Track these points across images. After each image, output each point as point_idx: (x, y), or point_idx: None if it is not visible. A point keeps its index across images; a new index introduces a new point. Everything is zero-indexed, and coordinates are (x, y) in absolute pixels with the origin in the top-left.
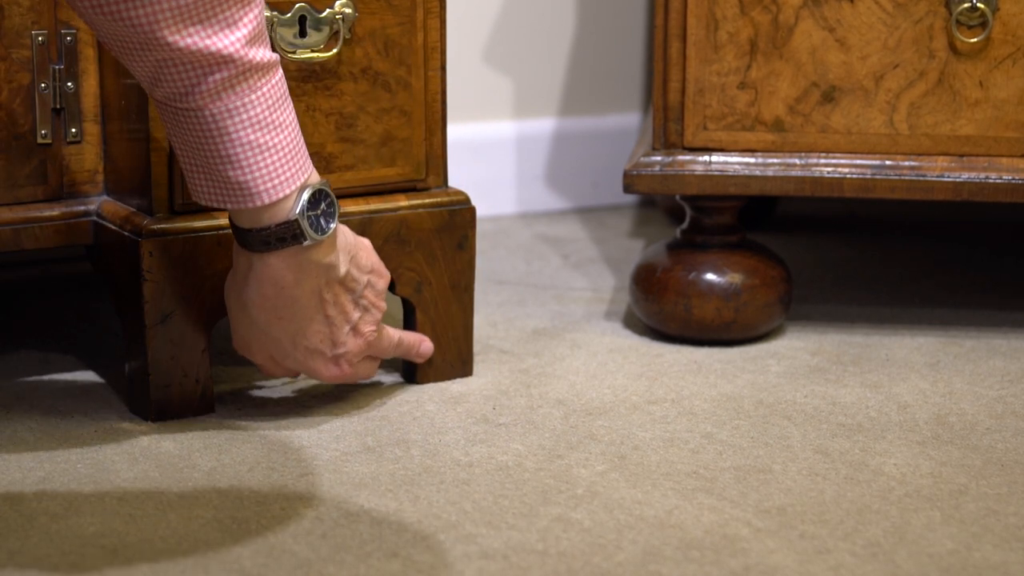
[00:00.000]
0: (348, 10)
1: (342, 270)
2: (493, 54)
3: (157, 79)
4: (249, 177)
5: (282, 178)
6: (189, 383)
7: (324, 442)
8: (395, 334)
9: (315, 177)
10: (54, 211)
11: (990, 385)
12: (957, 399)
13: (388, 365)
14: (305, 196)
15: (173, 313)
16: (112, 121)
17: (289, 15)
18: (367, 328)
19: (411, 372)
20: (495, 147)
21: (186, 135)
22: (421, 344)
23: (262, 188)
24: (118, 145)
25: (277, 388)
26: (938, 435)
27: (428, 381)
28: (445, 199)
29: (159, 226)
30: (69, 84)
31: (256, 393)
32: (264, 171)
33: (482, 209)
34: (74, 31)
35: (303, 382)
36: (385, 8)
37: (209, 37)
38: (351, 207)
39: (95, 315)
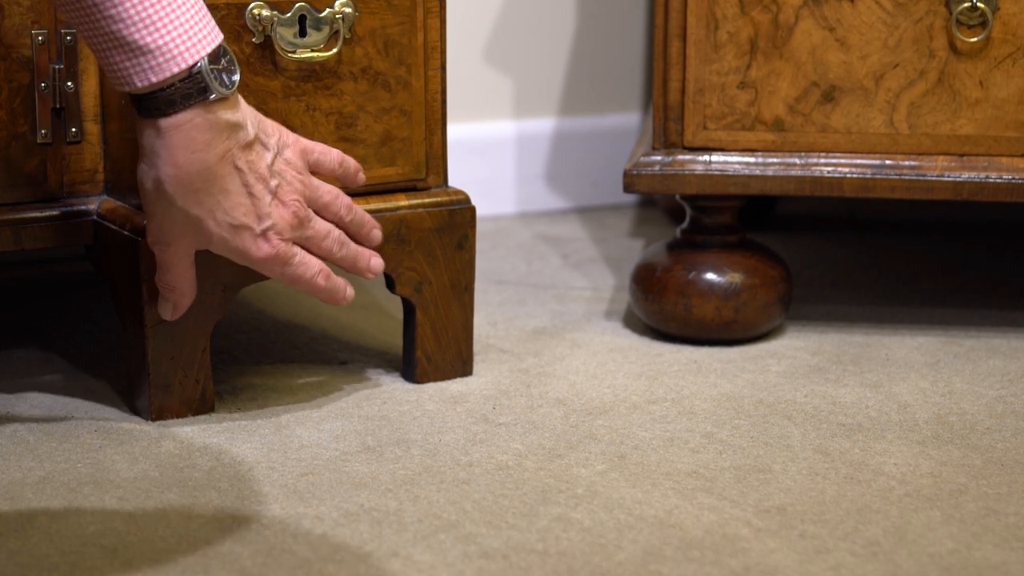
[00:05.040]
0: (348, 10)
1: (251, 132)
2: (493, 54)
3: None
4: (168, 38)
5: (199, 36)
6: (189, 383)
7: (324, 442)
8: (336, 230)
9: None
10: (54, 211)
11: (990, 385)
12: (957, 399)
13: (388, 365)
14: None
15: None
16: (112, 121)
17: (289, 15)
18: (289, 197)
19: (411, 372)
20: (495, 147)
21: (90, 13)
22: (372, 258)
23: (183, 47)
24: (118, 145)
25: (277, 388)
26: (938, 435)
27: (428, 381)
28: (445, 199)
29: None
30: (69, 84)
31: (256, 393)
32: (179, 30)
33: (482, 209)
34: (74, 31)
35: (303, 382)
36: (385, 8)
37: None
38: None
39: (95, 315)
